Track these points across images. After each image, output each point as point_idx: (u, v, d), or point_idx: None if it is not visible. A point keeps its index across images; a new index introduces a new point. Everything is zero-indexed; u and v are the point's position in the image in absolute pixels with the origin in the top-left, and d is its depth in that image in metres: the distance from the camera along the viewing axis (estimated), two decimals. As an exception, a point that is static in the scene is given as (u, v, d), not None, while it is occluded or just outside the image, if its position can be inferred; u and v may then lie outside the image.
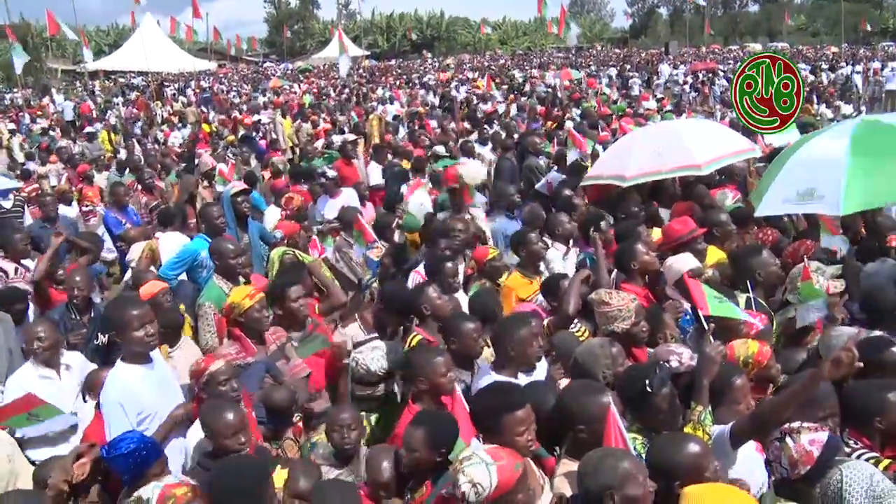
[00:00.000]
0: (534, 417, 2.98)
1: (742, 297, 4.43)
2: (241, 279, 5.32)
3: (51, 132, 18.72)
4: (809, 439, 2.76)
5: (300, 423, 4.09)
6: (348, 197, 8.38)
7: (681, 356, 3.52)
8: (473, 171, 7.46)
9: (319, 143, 12.57)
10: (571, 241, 5.95)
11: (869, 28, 54.18)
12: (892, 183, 4.43)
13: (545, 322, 4.35)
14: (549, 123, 13.55)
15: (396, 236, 6.64)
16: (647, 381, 3.14)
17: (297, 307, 4.54)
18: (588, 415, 3.00)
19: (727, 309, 3.77)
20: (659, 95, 19.73)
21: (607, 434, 2.85)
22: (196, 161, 10.86)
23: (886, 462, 3.07)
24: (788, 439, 2.78)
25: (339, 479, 3.28)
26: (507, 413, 2.89)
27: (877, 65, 27.14)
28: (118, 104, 27.98)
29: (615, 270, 5.00)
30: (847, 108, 14.42)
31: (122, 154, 15.10)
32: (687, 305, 4.34)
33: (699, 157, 6.39)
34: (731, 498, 2.47)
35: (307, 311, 4.65)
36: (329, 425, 3.56)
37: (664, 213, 6.38)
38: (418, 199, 7.37)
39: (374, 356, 4.07)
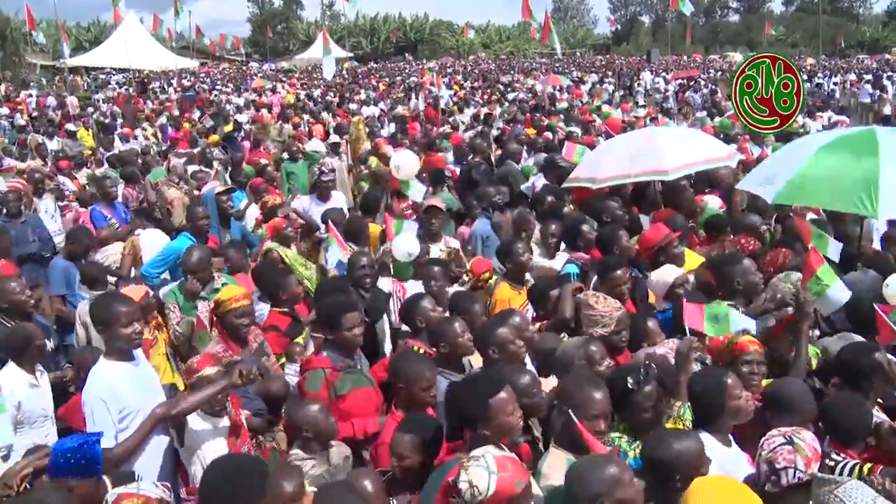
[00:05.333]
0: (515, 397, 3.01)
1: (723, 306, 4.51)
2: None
3: (27, 128, 18.48)
4: (810, 437, 2.77)
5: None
6: (337, 199, 8.38)
7: (654, 352, 3.67)
8: (408, 162, 7.30)
9: (315, 143, 12.49)
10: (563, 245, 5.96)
11: (843, 44, 55.18)
12: (821, 188, 4.92)
13: (537, 326, 4.41)
14: (532, 130, 13.60)
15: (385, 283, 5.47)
16: (628, 379, 3.22)
17: (353, 335, 4.11)
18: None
19: (722, 329, 3.85)
20: (641, 103, 19.88)
21: (586, 440, 2.90)
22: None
23: (869, 465, 3.10)
24: (797, 440, 2.73)
25: None
26: (492, 397, 2.90)
27: (852, 77, 27.61)
28: (98, 100, 27.69)
29: (594, 279, 5.03)
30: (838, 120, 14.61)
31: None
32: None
33: (668, 163, 6.47)
34: (735, 491, 2.49)
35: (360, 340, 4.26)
36: None
37: (644, 219, 6.44)
38: (405, 244, 5.62)
39: None
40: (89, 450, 2.96)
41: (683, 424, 3.26)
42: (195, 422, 3.62)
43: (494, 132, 14.12)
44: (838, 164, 4.92)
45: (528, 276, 5.41)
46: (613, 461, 2.64)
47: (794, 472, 2.69)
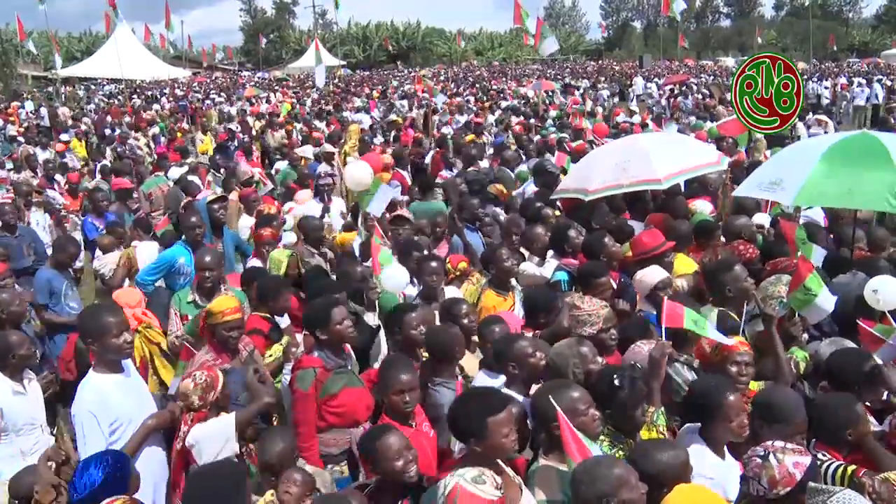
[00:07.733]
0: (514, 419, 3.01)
1: (714, 311, 4.51)
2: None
3: (19, 139, 18.41)
4: (794, 462, 2.69)
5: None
6: (336, 204, 8.36)
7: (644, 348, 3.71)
8: (358, 174, 7.11)
9: (306, 150, 12.49)
10: (550, 252, 5.95)
11: (835, 48, 55.56)
12: (843, 189, 4.93)
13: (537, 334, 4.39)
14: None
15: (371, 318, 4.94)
16: (614, 377, 3.24)
17: (343, 328, 4.10)
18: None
19: (701, 328, 3.83)
20: (633, 108, 19.93)
21: (564, 439, 2.88)
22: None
23: (854, 467, 3.12)
24: (773, 458, 2.69)
25: None
26: (491, 416, 2.89)
27: (843, 80, 27.74)
28: (90, 111, 27.66)
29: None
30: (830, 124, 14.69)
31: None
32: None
33: (660, 172, 6.44)
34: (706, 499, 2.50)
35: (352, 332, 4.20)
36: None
37: (638, 225, 6.43)
38: (396, 276, 5.01)
39: None
40: (126, 463, 3.03)
41: (657, 431, 3.26)
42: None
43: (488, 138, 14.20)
44: (852, 167, 4.97)
45: (514, 282, 5.38)
46: (620, 462, 2.66)
47: (756, 485, 2.70)
